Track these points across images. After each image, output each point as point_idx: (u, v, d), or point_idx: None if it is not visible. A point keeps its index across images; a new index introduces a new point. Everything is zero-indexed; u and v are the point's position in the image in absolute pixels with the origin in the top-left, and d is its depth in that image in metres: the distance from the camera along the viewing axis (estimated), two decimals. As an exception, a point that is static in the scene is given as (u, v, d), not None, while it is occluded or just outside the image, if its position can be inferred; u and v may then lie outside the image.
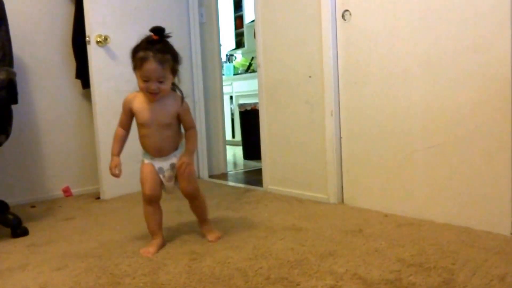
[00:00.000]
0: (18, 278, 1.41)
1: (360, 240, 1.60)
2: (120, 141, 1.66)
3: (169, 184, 1.67)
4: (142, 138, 1.64)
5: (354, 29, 2.05)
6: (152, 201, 1.64)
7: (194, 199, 1.70)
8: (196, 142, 1.70)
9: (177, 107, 1.62)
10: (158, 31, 1.52)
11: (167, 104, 1.60)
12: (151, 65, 1.48)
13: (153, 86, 1.51)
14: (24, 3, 2.62)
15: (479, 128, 1.63)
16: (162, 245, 1.64)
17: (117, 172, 1.62)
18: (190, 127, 1.66)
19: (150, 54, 1.48)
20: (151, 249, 1.59)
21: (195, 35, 3.13)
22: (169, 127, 1.62)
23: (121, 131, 1.66)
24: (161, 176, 1.64)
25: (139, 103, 1.60)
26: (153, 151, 1.63)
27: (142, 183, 1.63)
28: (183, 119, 1.64)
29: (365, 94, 2.03)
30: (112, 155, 1.64)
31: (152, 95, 1.54)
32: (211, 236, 1.70)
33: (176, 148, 1.66)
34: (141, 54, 1.50)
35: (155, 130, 1.60)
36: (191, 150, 1.64)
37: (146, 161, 1.64)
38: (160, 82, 1.52)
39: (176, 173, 1.64)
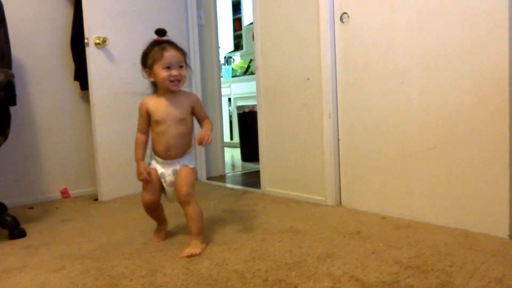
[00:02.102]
0: (16, 279, 1.41)
1: (357, 242, 1.60)
2: (143, 146, 1.69)
3: (169, 189, 1.67)
4: (156, 136, 1.66)
5: (352, 31, 2.06)
6: (150, 208, 1.71)
7: (187, 204, 1.61)
8: (212, 127, 1.70)
9: (191, 101, 1.69)
10: (162, 32, 1.62)
11: (181, 99, 1.66)
12: (171, 51, 1.59)
13: (176, 71, 1.59)
14: (23, 5, 2.62)
15: (477, 130, 1.64)
16: (166, 231, 1.80)
17: (146, 175, 1.64)
18: (206, 117, 1.72)
19: (166, 44, 1.60)
20: (157, 238, 1.75)
21: (194, 37, 3.14)
22: (184, 122, 1.66)
23: (141, 136, 1.69)
24: (162, 181, 1.66)
25: (154, 102, 1.65)
26: (164, 150, 1.64)
27: (143, 188, 1.68)
28: (198, 111, 1.70)
29: (363, 96, 2.04)
30: (138, 160, 1.67)
31: (175, 83, 1.61)
32: (186, 251, 1.56)
33: (184, 153, 1.68)
34: (157, 48, 1.60)
35: (170, 126, 1.63)
36: (209, 128, 1.67)
37: (151, 165, 1.68)
38: (181, 67, 1.61)
39: (176, 178, 1.65)
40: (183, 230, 1.87)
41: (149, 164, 1.69)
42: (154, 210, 1.73)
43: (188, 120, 1.67)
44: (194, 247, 1.58)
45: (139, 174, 1.65)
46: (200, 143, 1.58)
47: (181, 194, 1.61)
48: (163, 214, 1.78)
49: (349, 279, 1.27)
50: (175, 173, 1.65)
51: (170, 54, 1.58)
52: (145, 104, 1.66)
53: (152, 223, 1.83)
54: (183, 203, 1.62)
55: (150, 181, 1.65)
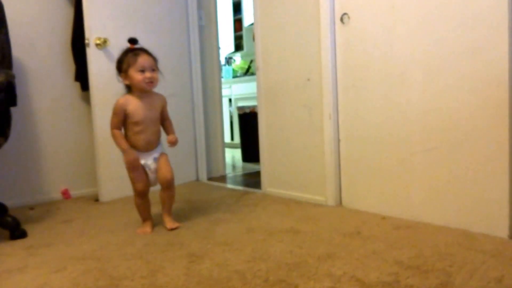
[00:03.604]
0: (17, 280, 1.41)
1: (358, 242, 1.60)
2: (123, 138, 1.85)
3: (152, 176, 1.90)
4: (134, 135, 1.85)
5: (353, 32, 2.06)
6: (145, 194, 1.89)
7: (171, 187, 1.90)
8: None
9: (162, 102, 1.93)
10: (134, 40, 1.85)
11: (155, 101, 1.89)
12: (144, 56, 1.80)
13: (149, 73, 1.80)
14: (23, 5, 2.62)
15: (477, 130, 1.64)
16: (153, 226, 1.93)
17: (138, 161, 1.84)
18: (168, 118, 1.98)
19: (139, 51, 1.82)
20: (148, 229, 1.88)
21: (194, 38, 3.14)
22: (157, 121, 1.91)
23: (118, 131, 1.86)
24: (147, 170, 1.88)
25: (133, 104, 1.83)
26: (144, 146, 1.86)
27: (133, 180, 1.87)
28: (164, 111, 1.95)
29: (363, 97, 2.04)
30: (127, 149, 1.83)
31: (148, 84, 1.81)
32: (171, 225, 1.88)
33: (158, 144, 1.93)
34: (131, 54, 1.81)
35: (148, 126, 1.85)
36: (174, 130, 1.98)
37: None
38: (153, 70, 1.82)
39: (157, 165, 1.89)
40: (183, 231, 1.87)
41: None
42: (146, 198, 1.91)
43: (159, 118, 1.92)
44: (173, 222, 1.91)
45: (133, 160, 1.83)
46: (173, 144, 1.90)
47: (168, 178, 1.88)
48: (150, 209, 1.94)
49: (349, 279, 1.27)
50: (155, 160, 1.89)
51: (143, 59, 1.79)
52: (123, 105, 1.82)
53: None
54: (168, 186, 1.89)
55: (138, 167, 1.85)
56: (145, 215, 1.92)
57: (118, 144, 1.84)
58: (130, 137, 1.85)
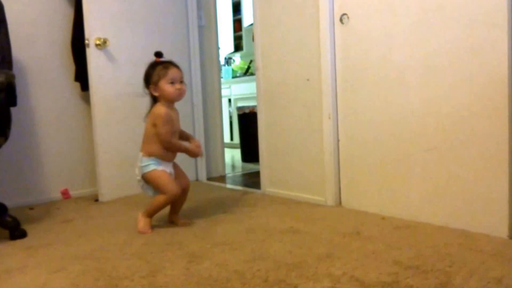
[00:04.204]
0: (16, 280, 1.41)
1: (357, 242, 1.61)
2: (180, 141, 1.98)
3: None
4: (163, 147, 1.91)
5: (352, 32, 2.06)
6: (176, 197, 1.92)
7: (187, 191, 2.02)
8: None
9: (178, 114, 1.99)
10: (160, 54, 1.91)
11: (177, 113, 1.98)
12: (174, 69, 1.89)
13: (179, 85, 1.88)
14: (23, 6, 2.62)
15: (477, 130, 1.64)
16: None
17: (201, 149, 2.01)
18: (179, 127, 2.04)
19: (168, 63, 1.89)
20: (150, 229, 1.90)
21: (194, 38, 3.14)
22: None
23: (174, 139, 1.94)
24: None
25: (172, 114, 1.91)
26: (173, 156, 1.96)
27: (168, 185, 1.88)
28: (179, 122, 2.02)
29: (362, 97, 2.04)
30: (188, 146, 1.97)
31: (179, 96, 1.90)
32: (183, 223, 1.97)
33: None
34: (161, 66, 1.88)
35: (176, 137, 1.96)
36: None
37: (159, 167, 1.88)
38: (181, 82, 1.91)
39: (176, 172, 1.98)
40: (183, 230, 1.87)
41: (151, 167, 1.88)
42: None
43: None
44: (186, 221, 2.00)
45: (196, 147, 1.98)
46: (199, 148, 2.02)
47: (188, 184, 2.03)
48: None
49: (349, 279, 1.27)
50: (172, 168, 1.98)
51: (173, 71, 1.87)
52: (170, 114, 1.89)
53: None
54: (187, 191, 2.02)
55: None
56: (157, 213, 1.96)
57: (181, 149, 1.95)
58: (163, 148, 1.90)
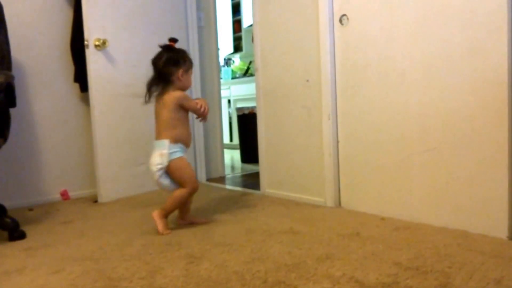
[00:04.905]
0: (15, 281, 1.41)
1: (357, 243, 1.60)
2: None
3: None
4: (187, 129, 1.93)
5: (352, 33, 2.06)
6: (196, 191, 1.92)
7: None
8: None
9: None
10: (175, 39, 1.95)
11: None
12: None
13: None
14: (23, 6, 2.62)
15: (476, 131, 1.64)
16: None
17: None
18: None
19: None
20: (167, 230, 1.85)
21: (193, 39, 3.14)
22: None
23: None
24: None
25: None
26: (191, 141, 1.97)
27: (193, 177, 1.89)
28: None
29: (362, 98, 2.04)
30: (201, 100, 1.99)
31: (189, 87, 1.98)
32: (203, 220, 1.99)
33: None
34: (188, 57, 1.93)
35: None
36: None
37: (183, 155, 1.88)
38: None
39: None
40: (182, 231, 1.87)
41: (178, 154, 1.85)
42: None
43: None
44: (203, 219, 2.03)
45: (205, 105, 1.96)
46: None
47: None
48: None
49: (348, 280, 1.27)
50: None
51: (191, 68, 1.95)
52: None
53: (150, 225, 1.84)
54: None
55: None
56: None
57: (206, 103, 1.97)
58: (185, 132, 1.91)
